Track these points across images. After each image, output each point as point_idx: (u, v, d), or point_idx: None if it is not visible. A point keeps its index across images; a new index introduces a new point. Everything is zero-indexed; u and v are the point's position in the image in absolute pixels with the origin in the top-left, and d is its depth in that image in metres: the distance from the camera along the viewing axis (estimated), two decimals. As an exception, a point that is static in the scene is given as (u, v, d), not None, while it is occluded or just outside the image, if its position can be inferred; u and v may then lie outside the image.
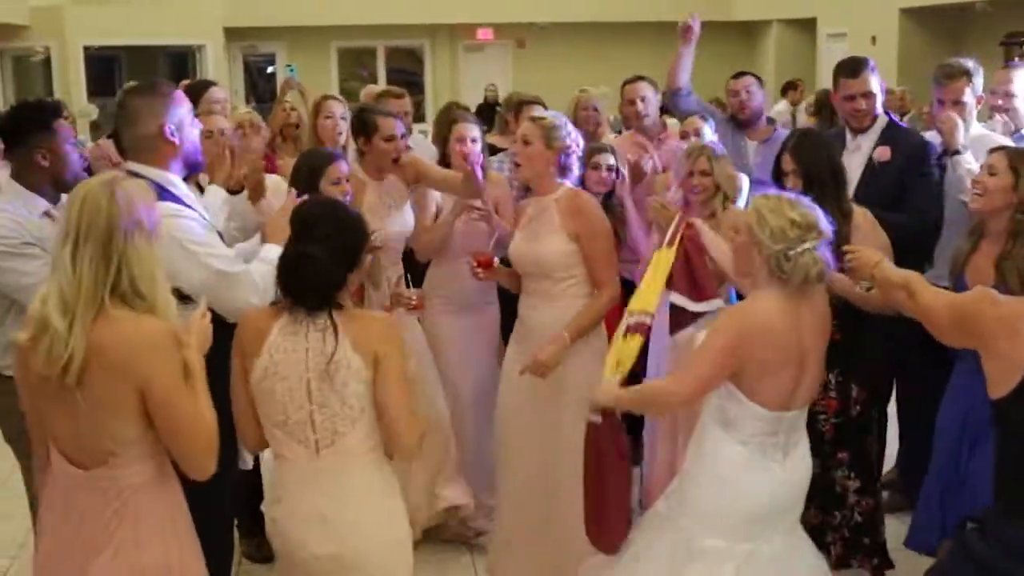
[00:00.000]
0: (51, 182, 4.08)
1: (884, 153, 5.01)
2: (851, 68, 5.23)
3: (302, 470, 3.32)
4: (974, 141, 4.94)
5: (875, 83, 5.19)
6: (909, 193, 4.94)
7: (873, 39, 16.25)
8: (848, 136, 5.22)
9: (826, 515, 4.48)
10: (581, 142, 4.71)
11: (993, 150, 4.24)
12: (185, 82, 6.35)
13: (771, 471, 3.61)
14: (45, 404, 2.95)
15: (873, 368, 4.56)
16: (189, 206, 3.73)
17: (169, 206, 3.60)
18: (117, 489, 2.93)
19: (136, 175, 3.61)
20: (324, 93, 6.11)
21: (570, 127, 4.64)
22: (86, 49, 19.38)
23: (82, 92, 18.93)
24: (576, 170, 4.71)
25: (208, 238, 3.71)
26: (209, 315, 3.11)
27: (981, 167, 4.24)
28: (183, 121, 3.77)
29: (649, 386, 4.09)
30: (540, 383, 4.52)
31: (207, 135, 5.04)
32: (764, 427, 3.55)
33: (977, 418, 4.01)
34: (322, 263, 3.25)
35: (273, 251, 3.62)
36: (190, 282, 3.57)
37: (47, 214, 4.05)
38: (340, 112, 5.92)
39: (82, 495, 2.95)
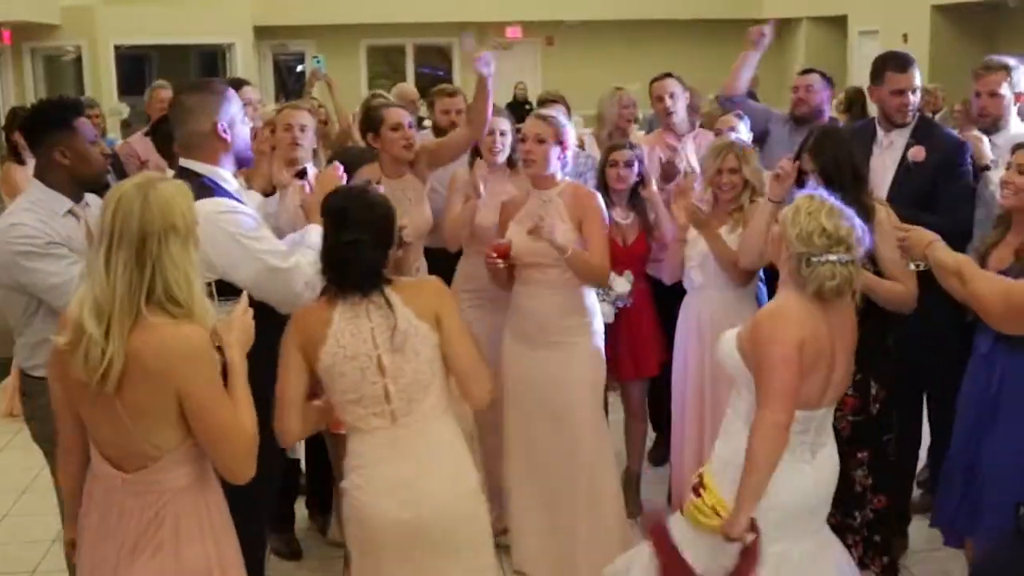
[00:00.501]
0: (72, 180, 4.06)
1: (919, 153, 4.97)
2: (901, 62, 5.19)
3: (380, 440, 3.47)
4: (1013, 139, 4.91)
5: (919, 78, 5.17)
6: (942, 193, 4.90)
7: (904, 36, 16.13)
8: (880, 132, 5.18)
9: (846, 516, 4.43)
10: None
11: (1017, 147, 4.22)
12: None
13: (802, 471, 3.59)
14: (84, 408, 2.94)
15: (893, 367, 4.53)
16: (240, 201, 3.79)
17: (223, 202, 3.70)
18: (157, 492, 2.94)
19: (189, 171, 3.72)
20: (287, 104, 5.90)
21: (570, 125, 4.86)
22: (117, 48, 19.52)
23: (113, 91, 19.07)
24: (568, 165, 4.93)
25: (260, 232, 3.77)
26: (251, 311, 3.12)
27: (1008, 165, 4.20)
28: (235, 118, 3.85)
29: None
30: (543, 376, 4.64)
31: (286, 128, 5.12)
32: (795, 426, 3.52)
33: (989, 398, 4.04)
34: (365, 248, 3.39)
35: (316, 233, 3.74)
36: (244, 276, 3.64)
37: (71, 212, 4.06)
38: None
39: (122, 497, 2.96)
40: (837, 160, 4.37)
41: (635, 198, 5.40)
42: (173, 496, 2.94)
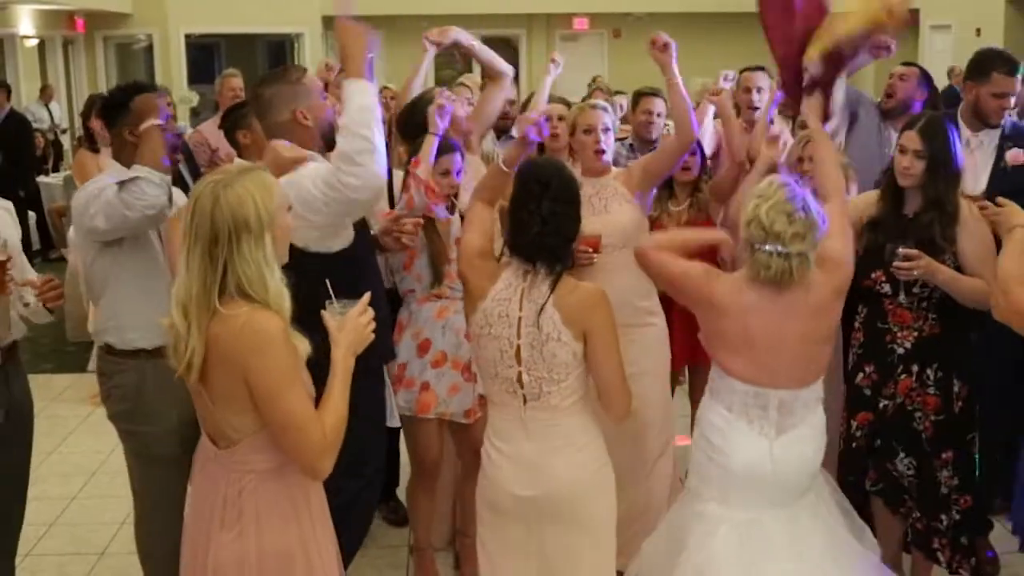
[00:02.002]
0: None
1: (1019, 156, 4.86)
2: (1010, 66, 5.09)
3: (511, 418, 3.56)
4: None
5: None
6: None
7: (978, 31, 15.89)
8: (966, 131, 5.08)
9: (932, 519, 4.34)
10: None
11: None
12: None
13: (757, 444, 3.65)
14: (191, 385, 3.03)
15: (975, 363, 4.44)
16: None
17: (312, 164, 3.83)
18: (240, 472, 2.99)
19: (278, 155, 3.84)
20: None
21: None
22: (187, 37, 19.73)
23: (183, 79, 19.29)
24: None
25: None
26: (370, 313, 3.09)
27: None
28: (313, 103, 3.98)
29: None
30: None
31: None
32: (746, 399, 3.65)
33: None
34: (569, 218, 3.48)
35: (353, 88, 3.73)
36: (318, 190, 3.70)
37: None
38: None
39: (215, 469, 3.05)
40: (945, 149, 4.26)
41: (697, 189, 5.46)
42: (256, 478, 2.98)
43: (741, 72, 6.22)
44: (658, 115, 6.08)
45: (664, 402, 4.92)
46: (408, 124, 4.83)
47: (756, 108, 6.05)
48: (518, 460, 3.53)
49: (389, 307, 4.49)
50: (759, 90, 6.08)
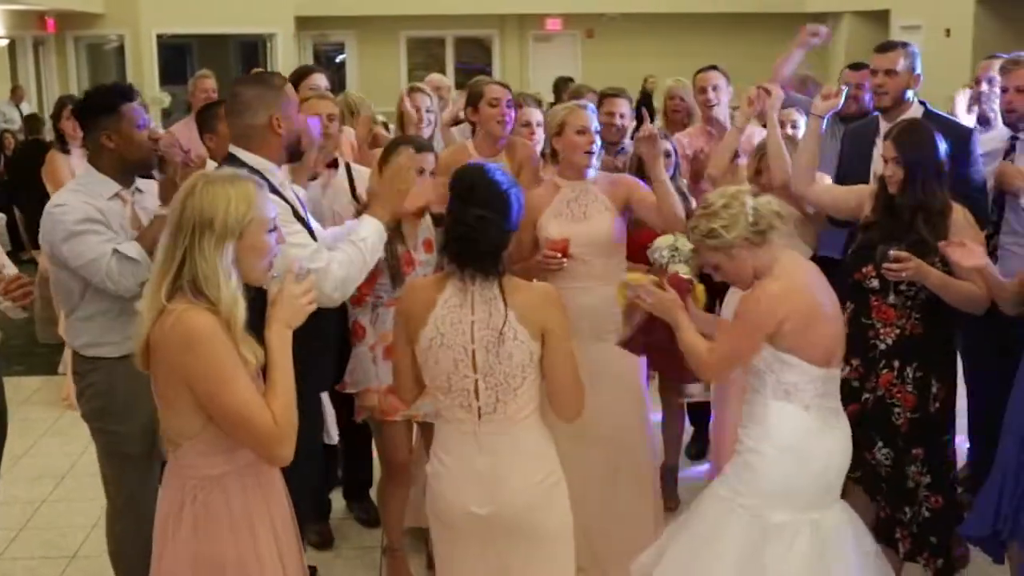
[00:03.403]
0: (119, 164, 4.15)
1: None
2: (879, 47, 5.26)
3: (464, 433, 3.45)
4: None
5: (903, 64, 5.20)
6: (958, 177, 4.79)
7: (947, 31, 16.01)
8: (883, 126, 5.13)
9: (896, 510, 4.43)
10: None
11: None
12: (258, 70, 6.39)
13: (835, 435, 3.72)
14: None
15: (956, 367, 4.49)
16: (283, 196, 3.79)
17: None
18: (186, 477, 2.98)
19: (236, 159, 3.75)
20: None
21: None
22: (159, 37, 19.64)
23: (154, 80, 19.21)
24: None
25: (290, 228, 3.71)
26: (312, 294, 3.05)
27: None
28: (290, 114, 3.89)
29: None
30: (595, 369, 4.53)
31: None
32: (821, 388, 3.66)
33: None
34: (490, 225, 3.36)
35: (368, 227, 3.78)
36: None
37: (118, 196, 4.14)
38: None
39: (169, 476, 3.04)
40: (922, 152, 4.32)
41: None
42: (199, 484, 2.96)
43: (696, 74, 6.25)
44: (621, 116, 6.08)
45: (641, 396, 4.93)
46: None
47: (714, 106, 6.08)
48: (471, 476, 3.44)
49: (339, 333, 4.53)
50: (715, 88, 6.10)
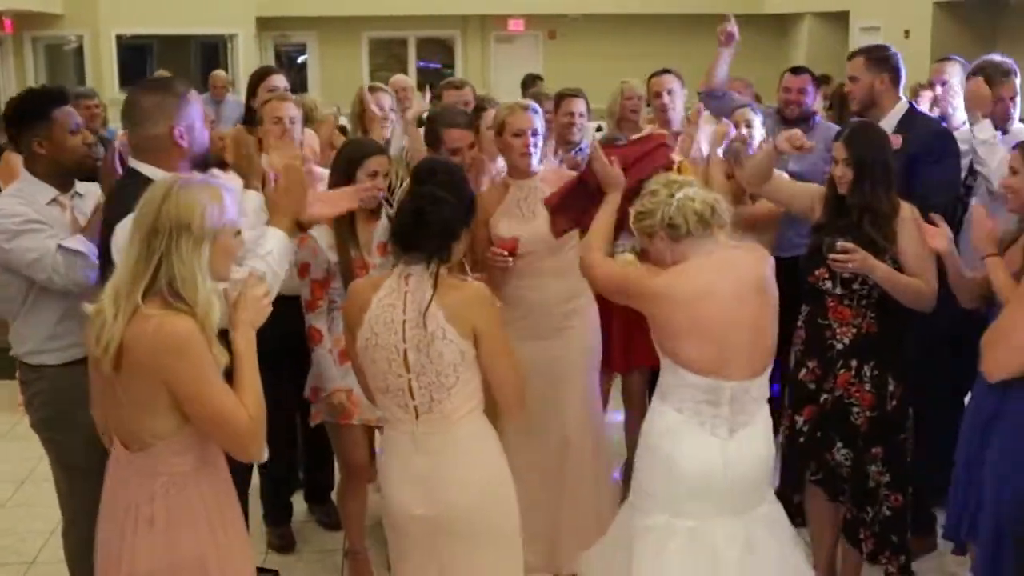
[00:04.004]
0: (54, 170, 4.08)
1: (896, 140, 4.98)
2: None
3: (404, 434, 3.49)
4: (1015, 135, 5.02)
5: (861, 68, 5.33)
6: (916, 180, 4.89)
7: (906, 32, 16.11)
8: None
9: (859, 510, 4.47)
10: None
11: (1013, 148, 4.23)
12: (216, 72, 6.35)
13: (709, 445, 3.64)
14: (99, 383, 3.08)
15: (911, 365, 4.52)
16: None
17: None
18: (153, 475, 3.00)
19: (138, 175, 3.62)
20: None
21: None
22: (118, 38, 19.47)
23: (114, 81, 19.04)
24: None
25: None
26: (265, 286, 3.14)
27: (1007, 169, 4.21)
28: (194, 123, 3.72)
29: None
30: (545, 362, 4.61)
31: (275, 121, 5.08)
32: (697, 395, 3.62)
33: (991, 406, 4.01)
34: (445, 206, 3.40)
35: (271, 240, 3.60)
36: None
37: (56, 201, 4.09)
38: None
39: (128, 474, 3.05)
40: (872, 153, 4.36)
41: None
42: (169, 481, 3.00)
43: (649, 78, 6.26)
44: (580, 115, 6.11)
45: (594, 387, 4.94)
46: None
47: (670, 110, 6.10)
48: (411, 478, 3.47)
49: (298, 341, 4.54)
50: (669, 92, 6.13)
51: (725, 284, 3.61)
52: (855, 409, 4.38)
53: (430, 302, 3.35)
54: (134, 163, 3.71)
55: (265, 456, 3.06)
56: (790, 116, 6.05)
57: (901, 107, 5.25)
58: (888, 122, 5.15)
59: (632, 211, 3.74)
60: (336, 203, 4.19)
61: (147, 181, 3.32)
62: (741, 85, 8.02)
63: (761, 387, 3.75)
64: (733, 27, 6.18)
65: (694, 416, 3.64)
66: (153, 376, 2.88)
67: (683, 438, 3.64)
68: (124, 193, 3.49)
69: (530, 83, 11.38)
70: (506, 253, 4.59)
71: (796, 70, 6.27)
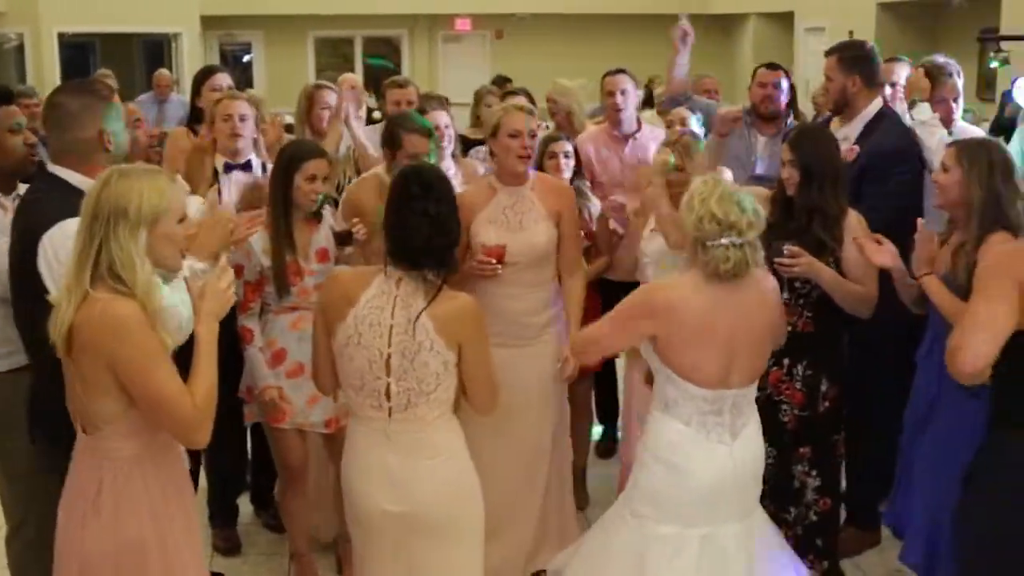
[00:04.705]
0: None
1: (852, 152, 5.00)
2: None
3: (375, 431, 3.46)
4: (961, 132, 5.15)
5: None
6: (864, 194, 4.88)
7: (850, 33, 16.22)
8: (834, 125, 5.27)
9: (780, 510, 4.45)
10: None
11: (948, 145, 4.28)
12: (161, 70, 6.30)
13: (717, 452, 3.65)
14: (68, 373, 3.13)
15: (846, 367, 4.56)
16: None
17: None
18: (102, 458, 3.07)
19: (59, 180, 3.57)
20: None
21: None
22: (60, 36, 19.22)
23: (56, 79, 18.71)
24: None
25: None
26: (230, 277, 3.19)
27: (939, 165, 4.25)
28: (118, 127, 3.68)
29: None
30: (516, 373, 4.54)
31: (226, 119, 5.01)
32: (703, 406, 3.61)
33: (928, 400, 4.12)
34: (456, 219, 3.43)
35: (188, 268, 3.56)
36: None
37: None
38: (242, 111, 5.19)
39: (82, 457, 3.12)
40: (819, 156, 4.38)
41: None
42: (116, 465, 3.06)
43: (603, 77, 6.24)
44: None
45: (562, 398, 4.94)
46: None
47: (621, 110, 6.09)
48: (383, 474, 3.45)
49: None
50: (623, 92, 6.10)
51: (716, 299, 3.62)
52: (783, 407, 4.40)
53: (418, 314, 3.34)
54: (55, 169, 3.63)
55: (205, 442, 3.07)
56: (763, 112, 6.01)
57: (873, 108, 5.21)
58: (858, 124, 5.16)
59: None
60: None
61: (70, 188, 3.30)
62: (712, 83, 8.03)
63: (754, 391, 3.78)
64: (687, 25, 6.15)
65: (700, 428, 3.64)
66: (98, 358, 2.95)
67: (694, 450, 3.64)
68: (47, 201, 3.45)
69: (500, 85, 11.36)
70: (494, 261, 4.53)
71: (770, 65, 6.23)
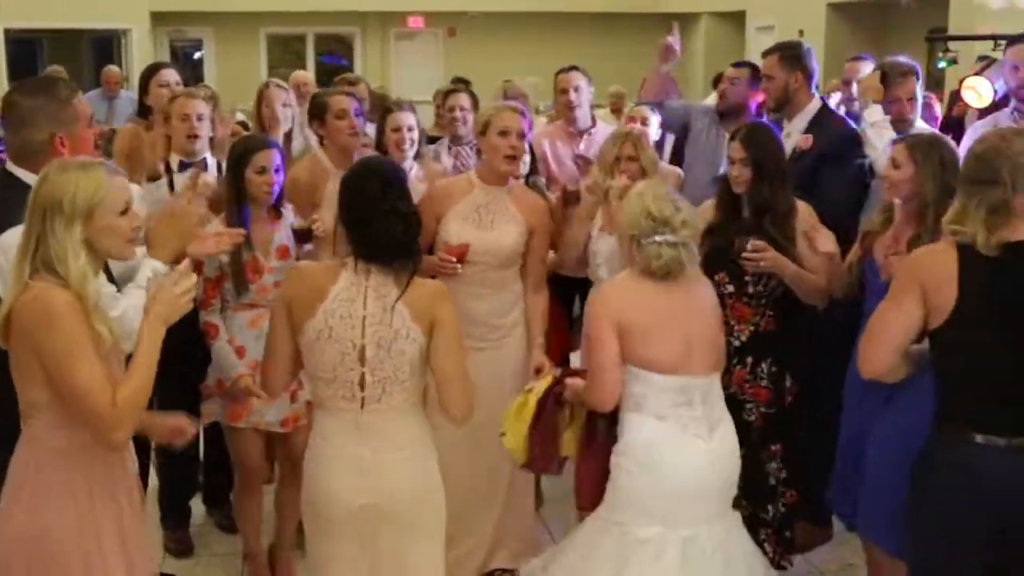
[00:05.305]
0: None
1: (806, 141, 5.07)
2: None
3: (345, 422, 3.42)
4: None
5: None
6: (823, 181, 4.99)
7: (800, 32, 16.37)
8: (785, 122, 5.36)
9: (758, 509, 4.47)
10: None
11: (895, 142, 4.32)
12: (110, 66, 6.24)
13: (695, 447, 3.68)
14: None
15: (808, 361, 4.61)
16: None
17: None
18: (33, 449, 3.08)
19: (16, 180, 3.52)
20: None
21: None
22: (6, 32, 18.98)
23: (2, 76, 18.55)
24: None
25: None
26: (190, 281, 3.14)
27: (887, 161, 4.29)
28: (77, 131, 3.61)
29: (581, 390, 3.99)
30: (482, 373, 4.51)
31: (183, 119, 4.97)
32: (674, 397, 3.65)
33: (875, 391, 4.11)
34: (414, 221, 3.40)
35: (148, 271, 3.52)
36: None
37: None
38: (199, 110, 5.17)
39: (18, 447, 3.13)
40: (768, 153, 4.43)
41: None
42: (43, 456, 3.06)
43: (557, 74, 6.28)
44: (462, 108, 6.15)
45: None
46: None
47: (575, 107, 6.12)
48: (353, 465, 3.42)
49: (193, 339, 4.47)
50: (576, 89, 6.15)
51: (671, 292, 3.71)
52: (748, 406, 4.43)
53: (398, 299, 3.33)
54: (12, 168, 3.58)
55: (121, 444, 3.07)
56: (719, 108, 6.11)
57: (814, 105, 5.37)
58: (801, 120, 5.26)
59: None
60: (207, 244, 3.98)
61: (27, 188, 3.24)
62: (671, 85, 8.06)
63: (720, 385, 3.83)
64: (675, 39, 6.17)
65: (675, 422, 3.66)
66: (28, 346, 2.97)
67: (670, 445, 3.66)
68: (3, 201, 3.41)
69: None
70: (454, 260, 4.52)
71: (737, 64, 6.39)
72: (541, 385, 4.03)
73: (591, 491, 3.92)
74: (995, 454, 3.23)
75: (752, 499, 4.44)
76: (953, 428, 3.32)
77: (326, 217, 4.46)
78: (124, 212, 3.10)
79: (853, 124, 5.49)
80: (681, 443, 3.67)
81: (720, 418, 3.77)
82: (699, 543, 3.67)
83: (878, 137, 5.06)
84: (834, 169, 5.00)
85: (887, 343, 3.39)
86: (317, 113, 5.04)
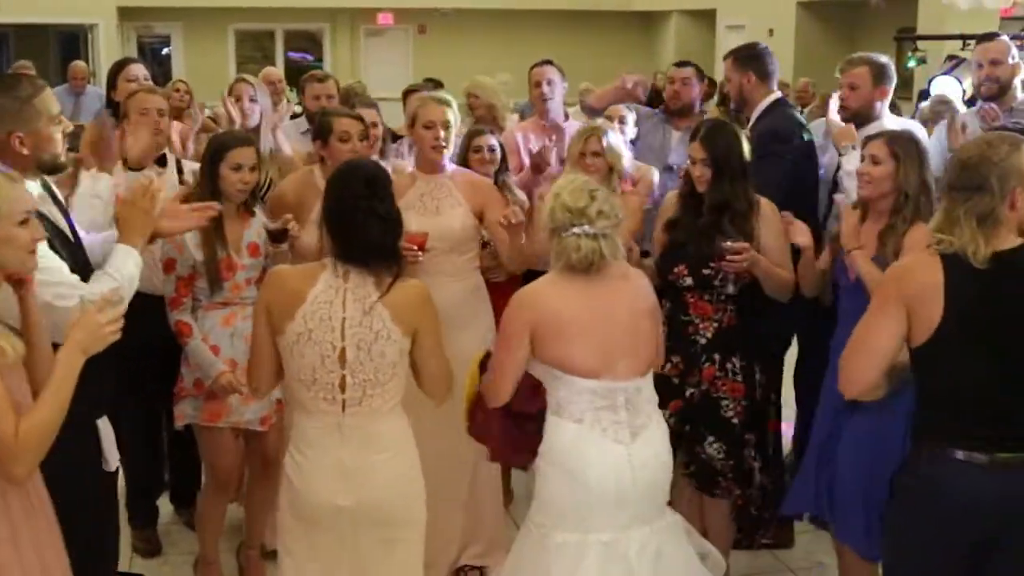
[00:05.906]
0: None
1: None
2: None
3: (326, 424, 3.41)
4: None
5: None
6: (756, 167, 4.94)
7: (771, 31, 16.46)
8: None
9: (743, 495, 4.54)
10: None
11: (869, 138, 4.32)
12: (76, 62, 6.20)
13: (614, 452, 3.58)
14: None
15: (773, 352, 4.63)
16: (43, 214, 3.39)
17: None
18: None
19: None
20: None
21: None
22: (-28, 27, 18.85)
23: (-32, 71, 18.39)
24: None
25: (46, 262, 3.25)
26: (118, 311, 3.00)
27: (863, 157, 4.29)
28: (38, 130, 3.49)
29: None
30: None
31: (143, 113, 4.91)
32: (596, 400, 3.57)
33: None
34: (396, 223, 3.39)
35: (121, 257, 3.49)
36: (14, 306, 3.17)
37: None
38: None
39: None
40: (729, 151, 4.43)
41: (496, 183, 5.33)
42: None
43: (531, 68, 6.31)
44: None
45: None
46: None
47: (548, 100, 6.16)
48: (335, 467, 3.41)
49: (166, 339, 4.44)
50: (549, 83, 6.17)
51: (593, 286, 3.62)
52: (725, 402, 4.44)
53: (377, 301, 3.32)
54: None
55: (21, 478, 2.83)
56: (673, 108, 6.14)
57: (768, 100, 5.42)
58: (754, 116, 5.37)
59: None
60: (183, 219, 3.94)
61: None
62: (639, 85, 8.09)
63: (650, 388, 3.73)
64: (637, 87, 6.24)
65: (595, 425, 3.57)
66: None
67: (588, 448, 3.57)
68: None
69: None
70: (416, 248, 4.47)
71: (680, 63, 6.42)
72: (476, 357, 3.93)
73: (492, 440, 3.86)
74: (976, 471, 3.17)
75: (739, 486, 4.51)
76: (933, 444, 3.26)
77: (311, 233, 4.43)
78: (24, 223, 2.95)
79: (798, 117, 5.56)
80: (598, 446, 3.57)
81: (646, 423, 3.66)
82: (619, 549, 3.58)
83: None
84: (755, 163, 4.98)
85: (870, 362, 3.29)
86: (321, 133, 4.87)
